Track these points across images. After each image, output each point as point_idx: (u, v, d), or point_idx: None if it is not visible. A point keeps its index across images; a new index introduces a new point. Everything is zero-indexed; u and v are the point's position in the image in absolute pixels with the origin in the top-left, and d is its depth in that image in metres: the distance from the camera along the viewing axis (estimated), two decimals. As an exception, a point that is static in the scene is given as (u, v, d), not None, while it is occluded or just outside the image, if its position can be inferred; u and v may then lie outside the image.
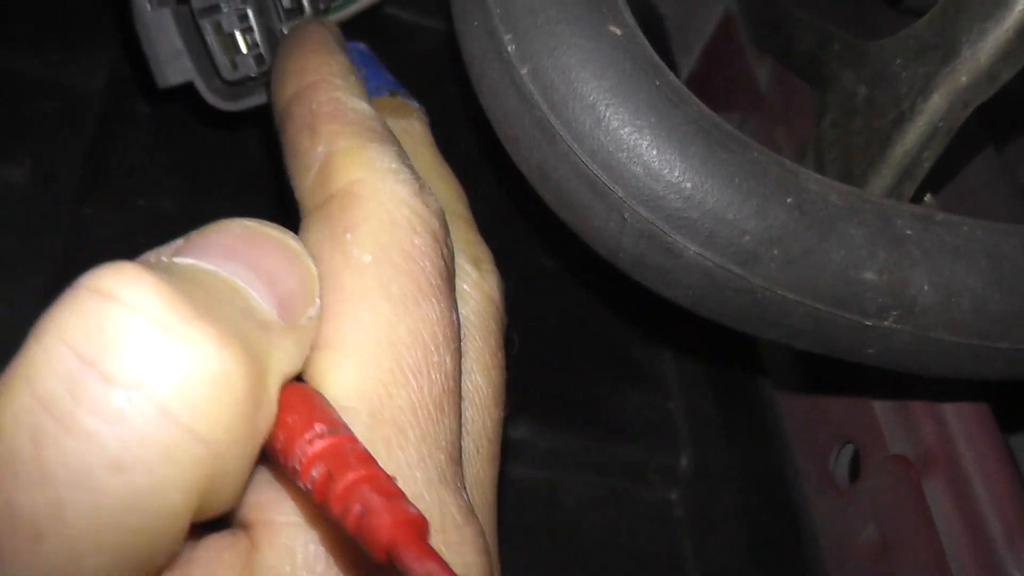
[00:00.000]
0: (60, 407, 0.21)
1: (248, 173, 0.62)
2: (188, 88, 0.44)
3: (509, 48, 0.34)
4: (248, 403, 0.23)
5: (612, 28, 0.34)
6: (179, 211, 0.59)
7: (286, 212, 0.32)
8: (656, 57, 0.34)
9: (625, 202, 0.33)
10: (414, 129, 0.37)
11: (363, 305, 0.27)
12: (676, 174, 0.32)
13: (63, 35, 0.66)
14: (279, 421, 0.24)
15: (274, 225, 0.27)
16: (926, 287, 0.35)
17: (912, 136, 0.46)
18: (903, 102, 0.46)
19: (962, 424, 0.44)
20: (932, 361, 0.38)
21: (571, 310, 0.61)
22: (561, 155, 0.33)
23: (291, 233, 0.27)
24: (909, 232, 0.35)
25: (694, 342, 0.60)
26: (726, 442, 0.55)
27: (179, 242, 0.26)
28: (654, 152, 0.32)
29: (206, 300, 0.23)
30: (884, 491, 0.46)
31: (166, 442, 0.21)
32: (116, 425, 0.21)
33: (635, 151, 0.32)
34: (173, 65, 0.42)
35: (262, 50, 0.42)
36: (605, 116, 0.33)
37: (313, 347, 0.26)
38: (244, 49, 0.42)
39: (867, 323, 0.35)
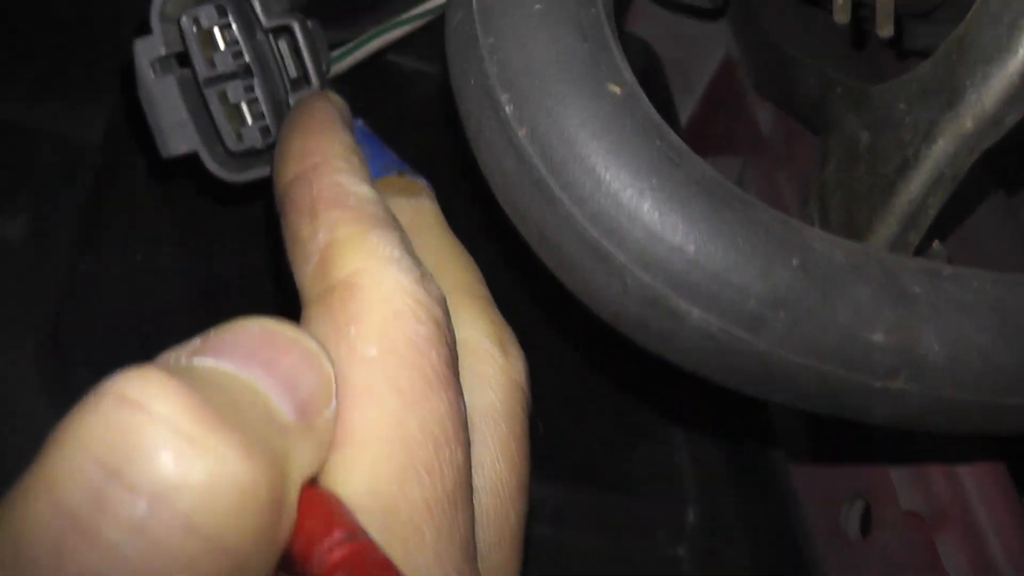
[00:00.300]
0: (83, 518, 0.20)
1: (247, 226, 0.62)
2: (191, 157, 0.43)
3: (506, 109, 0.33)
4: (271, 511, 0.22)
5: (611, 87, 0.33)
6: (177, 266, 0.58)
7: (285, 270, 0.32)
8: (656, 116, 0.34)
9: (627, 266, 0.32)
10: (424, 207, 0.37)
11: (371, 401, 0.27)
12: (679, 237, 0.32)
13: (63, 85, 0.65)
14: (298, 526, 0.24)
15: (291, 325, 0.27)
16: (936, 346, 0.34)
17: (917, 183, 0.45)
18: (907, 148, 0.46)
19: (976, 481, 0.43)
20: (943, 420, 0.37)
21: (574, 365, 0.60)
22: (561, 218, 0.33)
23: (307, 333, 0.27)
24: (917, 289, 0.35)
25: (701, 395, 0.59)
26: (734, 496, 0.54)
27: (196, 342, 0.25)
28: (656, 215, 0.32)
29: (228, 407, 0.22)
30: (896, 547, 0.45)
31: (190, 555, 0.21)
32: (140, 537, 0.20)
33: (636, 214, 0.32)
34: (177, 134, 0.42)
35: (268, 121, 0.42)
36: (605, 178, 0.32)
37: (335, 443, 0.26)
38: (250, 121, 0.42)
39: (876, 384, 0.34)
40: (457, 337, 0.31)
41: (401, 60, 0.76)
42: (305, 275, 0.30)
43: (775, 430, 0.57)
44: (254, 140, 0.42)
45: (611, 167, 0.32)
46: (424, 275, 0.29)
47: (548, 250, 0.34)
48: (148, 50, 0.41)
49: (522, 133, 0.33)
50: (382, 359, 0.27)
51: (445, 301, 0.29)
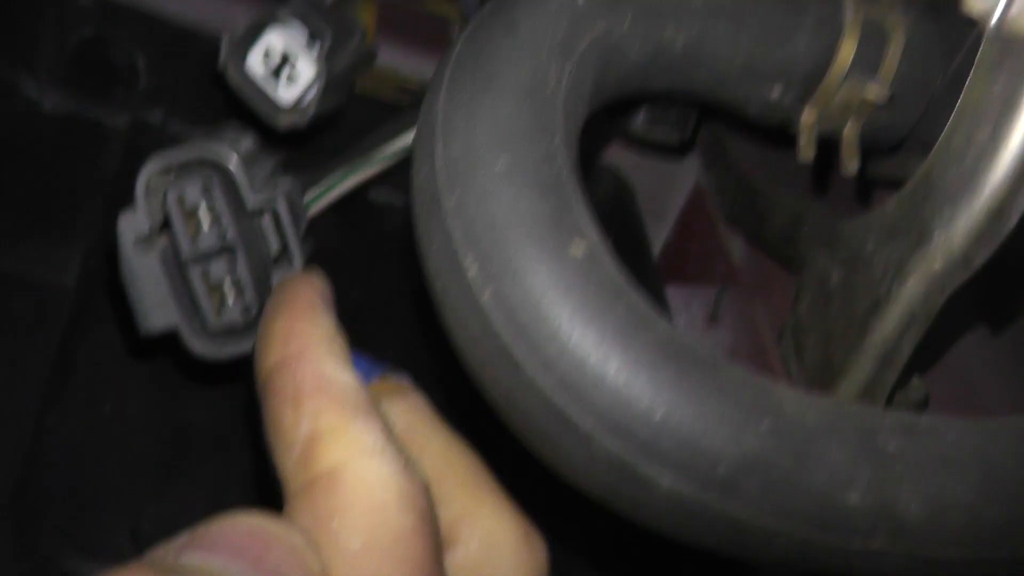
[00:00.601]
0: None
1: (216, 378, 0.61)
2: (170, 332, 0.42)
3: (469, 271, 0.33)
4: None
5: (575, 249, 0.33)
6: (145, 417, 0.57)
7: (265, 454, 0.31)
8: (620, 277, 0.33)
9: (594, 432, 0.31)
10: (415, 405, 0.37)
11: None
12: (645, 402, 0.31)
13: (37, 231, 0.65)
14: None
15: (277, 520, 0.27)
16: (914, 505, 0.33)
17: (890, 323, 0.45)
18: (878, 287, 0.45)
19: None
20: (928, 576, 0.36)
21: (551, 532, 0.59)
22: (526, 383, 0.32)
23: (295, 528, 0.27)
24: (892, 446, 0.34)
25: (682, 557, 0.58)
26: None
27: (184, 538, 0.26)
28: (621, 380, 0.31)
29: None
30: None
31: None
32: None
33: (602, 379, 0.31)
34: (157, 312, 0.41)
35: (249, 300, 0.41)
36: (569, 343, 0.31)
37: None
38: (231, 298, 0.41)
39: (854, 546, 0.33)
40: (482, 531, 0.32)
41: (374, 193, 0.76)
42: (287, 465, 0.30)
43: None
44: (235, 318, 0.41)
45: (575, 331, 0.31)
46: (408, 465, 0.29)
47: (514, 415, 0.34)
48: (131, 226, 0.40)
49: (486, 295, 0.32)
50: (366, 552, 0.27)
51: (429, 490, 0.29)
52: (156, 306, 0.41)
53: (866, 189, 0.58)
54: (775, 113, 0.48)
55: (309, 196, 0.50)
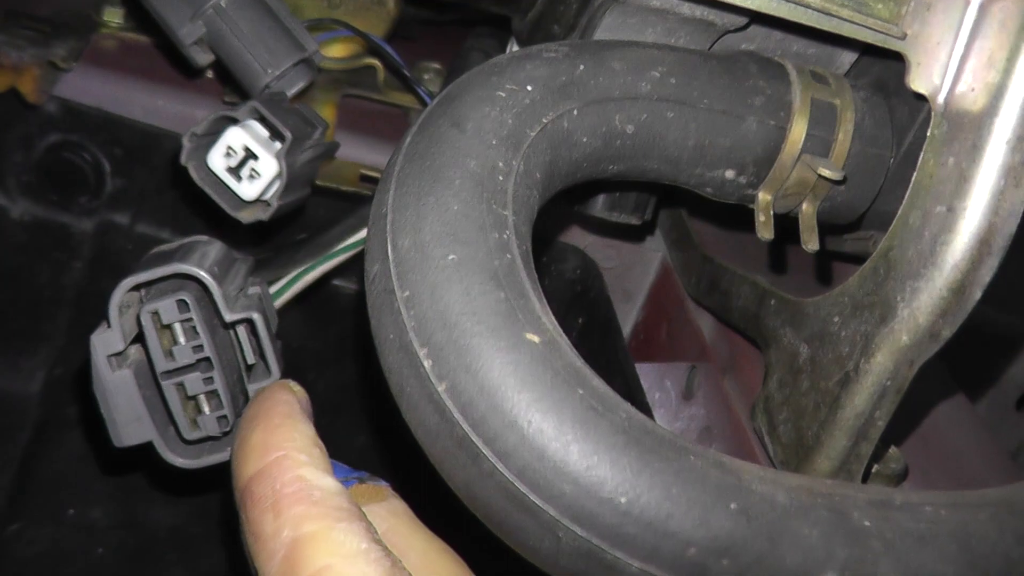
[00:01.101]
0: None
1: (178, 481, 0.60)
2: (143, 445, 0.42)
3: (425, 364, 0.32)
4: None
5: (530, 336, 0.32)
6: (109, 520, 0.56)
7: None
8: (579, 362, 0.33)
9: (558, 520, 0.31)
10: (397, 509, 0.37)
11: None
12: (608, 489, 0.30)
13: (2, 339, 0.65)
14: None
15: None
16: (892, 582, 0.33)
17: (861, 397, 0.44)
18: (847, 362, 0.45)
19: None
20: (912, 656, 0.35)
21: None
22: (486, 474, 0.31)
23: None
24: (867, 524, 0.33)
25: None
26: None
27: None
28: (583, 467, 0.30)
29: None
30: None
31: None
32: None
33: (563, 467, 0.31)
34: (131, 427, 0.40)
35: (226, 411, 0.41)
36: (528, 432, 0.31)
37: None
38: (207, 410, 0.41)
39: (834, 628, 0.32)
40: None
41: (344, 284, 0.76)
42: (271, 572, 0.29)
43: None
44: (211, 429, 0.41)
45: (534, 420, 0.31)
46: (395, 564, 0.29)
47: (477, 505, 0.33)
48: (105, 345, 0.40)
49: (442, 388, 0.32)
50: None
51: None
52: (130, 421, 0.41)
53: (828, 265, 0.58)
54: (731, 193, 0.48)
55: (273, 290, 0.50)
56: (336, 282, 0.77)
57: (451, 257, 0.33)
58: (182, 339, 0.40)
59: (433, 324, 0.32)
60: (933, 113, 0.43)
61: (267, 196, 0.52)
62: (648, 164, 0.44)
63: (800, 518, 0.32)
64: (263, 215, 0.52)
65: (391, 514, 0.37)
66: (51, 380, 0.63)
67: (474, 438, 0.31)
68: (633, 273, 0.72)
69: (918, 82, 0.43)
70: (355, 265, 0.63)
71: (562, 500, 0.31)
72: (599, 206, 0.55)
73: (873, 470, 0.49)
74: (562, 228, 0.71)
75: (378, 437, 0.68)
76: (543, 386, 0.31)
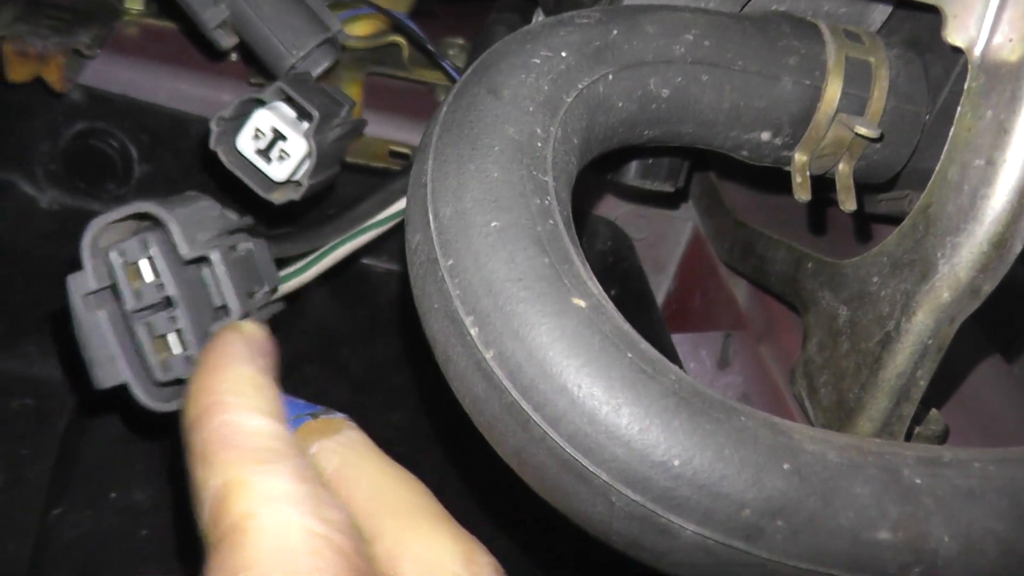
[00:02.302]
0: None
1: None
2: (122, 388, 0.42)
3: (471, 331, 0.32)
4: None
5: (576, 301, 0.32)
6: (151, 502, 0.56)
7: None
8: (626, 326, 0.33)
9: (611, 485, 0.31)
10: (351, 440, 0.35)
11: None
12: (661, 451, 0.30)
13: (37, 328, 0.65)
14: None
15: None
16: (946, 538, 0.33)
17: (903, 357, 0.44)
18: (887, 322, 0.45)
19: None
20: (966, 612, 0.35)
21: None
22: (537, 440, 0.31)
23: None
24: (918, 481, 0.33)
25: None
26: None
27: None
28: (635, 430, 0.30)
29: None
30: None
31: None
32: None
33: (614, 431, 0.30)
34: (106, 368, 0.41)
35: (194, 351, 0.41)
36: (579, 396, 0.31)
37: None
38: (176, 350, 0.41)
39: (889, 585, 0.32)
40: (418, 559, 0.30)
41: (373, 263, 0.76)
42: (201, 522, 0.29)
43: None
44: (180, 370, 0.41)
45: (583, 384, 0.31)
46: (321, 505, 0.28)
47: (527, 472, 0.33)
48: (79, 285, 0.41)
49: (489, 355, 0.32)
50: None
51: (349, 524, 0.28)
52: (105, 363, 0.41)
53: (865, 226, 0.58)
54: (767, 155, 0.48)
55: (299, 266, 0.50)
56: (365, 261, 0.77)
57: (494, 224, 0.33)
58: (148, 278, 0.41)
59: (478, 291, 0.32)
60: (970, 66, 0.42)
61: (297, 176, 0.52)
62: (683, 128, 0.44)
63: (852, 477, 0.32)
64: (295, 195, 0.52)
65: (344, 446, 0.35)
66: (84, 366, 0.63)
67: (523, 404, 0.31)
68: (665, 243, 0.71)
69: (954, 35, 0.43)
70: (385, 243, 0.63)
71: (614, 464, 0.31)
72: (632, 174, 0.55)
73: (914, 432, 0.49)
74: (593, 200, 0.71)
75: (414, 415, 0.68)
76: (591, 350, 0.31)
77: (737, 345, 0.63)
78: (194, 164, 0.72)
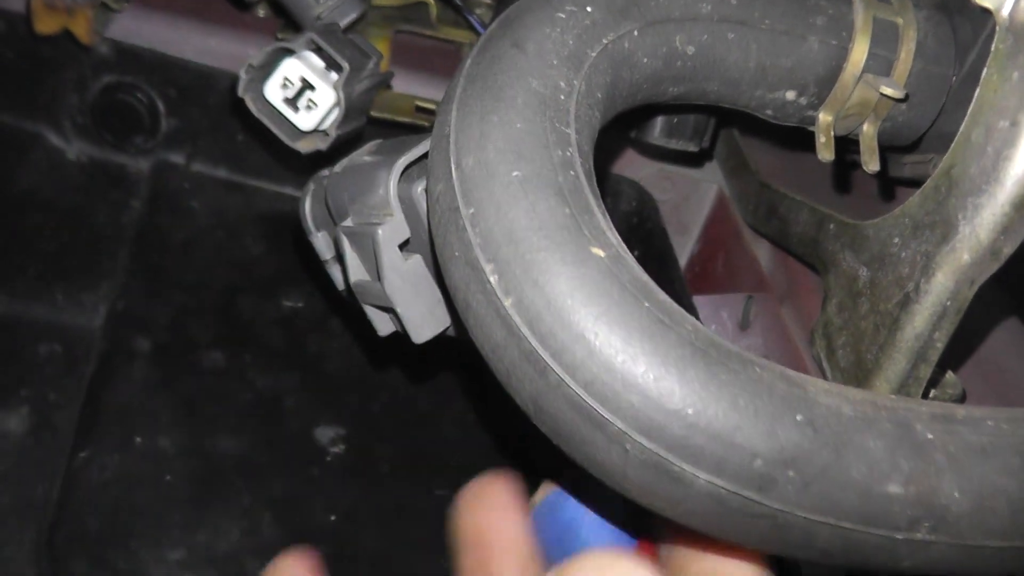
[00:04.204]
0: None
1: (248, 403, 0.61)
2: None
3: (491, 279, 0.33)
4: None
5: (596, 251, 0.33)
6: (177, 448, 0.57)
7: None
8: (644, 276, 0.33)
9: (626, 433, 0.31)
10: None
11: None
12: (676, 400, 0.31)
13: (65, 276, 0.66)
14: None
15: None
16: (957, 494, 0.33)
17: (921, 318, 0.44)
18: (907, 283, 0.45)
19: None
20: (975, 568, 0.35)
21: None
22: (554, 387, 0.32)
23: None
24: (930, 436, 0.33)
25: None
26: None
27: None
28: (651, 379, 0.31)
29: None
30: None
31: None
32: None
33: (631, 379, 0.31)
34: (431, 317, 0.41)
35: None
36: (596, 345, 0.31)
37: None
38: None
39: (899, 537, 0.33)
40: None
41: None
42: None
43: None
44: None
45: (601, 333, 0.31)
46: None
47: (544, 419, 0.33)
48: (392, 235, 0.40)
49: (508, 303, 0.32)
50: None
51: None
52: (428, 311, 0.40)
53: (888, 188, 0.58)
54: (793, 114, 0.48)
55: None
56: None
57: (516, 174, 0.33)
58: None
59: (499, 240, 0.33)
60: (998, 27, 0.42)
61: (325, 126, 0.53)
62: (709, 86, 0.44)
63: (865, 430, 0.32)
64: (322, 145, 0.53)
65: None
66: (114, 314, 0.64)
67: (541, 352, 0.32)
68: (689, 205, 0.71)
69: (983, -3, 0.42)
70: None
71: (630, 412, 0.31)
72: (657, 132, 0.55)
73: (931, 395, 0.49)
74: (618, 161, 0.71)
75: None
76: (610, 299, 0.31)
77: (758, 307, 0.64)
78: (221, 118, 0.72)
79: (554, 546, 0.40)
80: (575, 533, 0.40)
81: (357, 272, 0.43)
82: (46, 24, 0.67)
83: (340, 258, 0.43)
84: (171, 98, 0.72)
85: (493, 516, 0.39)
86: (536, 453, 0.39)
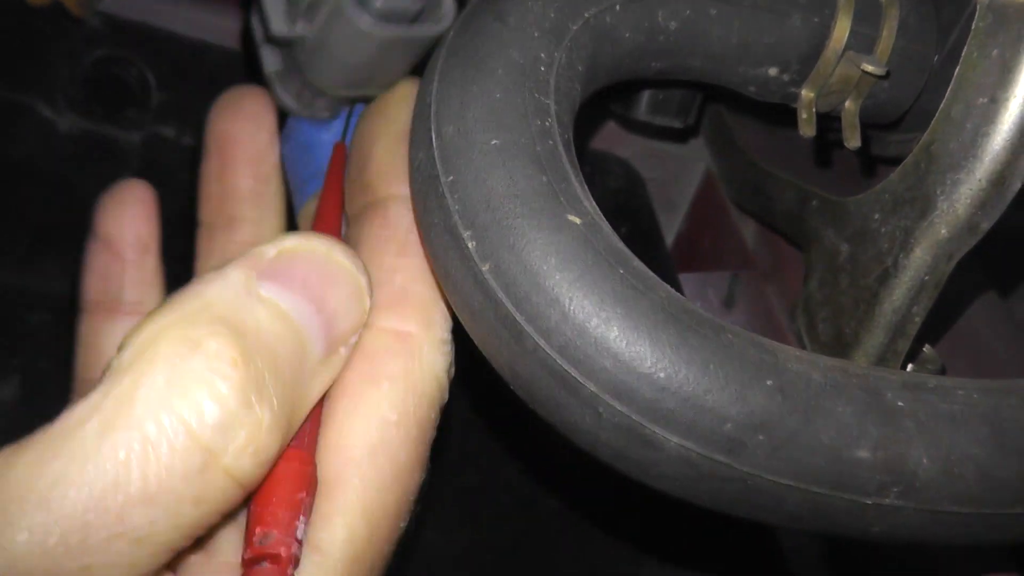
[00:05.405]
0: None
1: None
2: None
3: (469, 245, 0.33)
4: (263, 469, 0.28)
5: (571, 218, 0.33)
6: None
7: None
8: (619, 243, 0.34)
9: (598, 396, 0.32)
10: None
11: (371, 469, 0.32)
12: (648, 364, 0.31)
13: (56, 247, 0.66)
14: (268, 484, 0.29)
15: (346, 251, 0.32)
16: (925, 460, 0.33)
17: (899, 292, 0.45)
18: (886, 258, 0.45)
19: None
20: (943, 534, 0.36)
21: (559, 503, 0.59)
22: (529, 352, 0.32)
23: (359, 263, 0.32)
24: (900, 404, 0.34)
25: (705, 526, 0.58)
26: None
27: (271, 253, 0.30)
28: (623, 343, 0.31)
29: (269, 364, 0.28)
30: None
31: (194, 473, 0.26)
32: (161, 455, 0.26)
33: (603, 343, 0.31)
34: None
35: None
36: (570, 309, 0.32)
37: (327, 483, 0.31)
38: None
39: (867, 502, 0.33)
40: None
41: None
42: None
43: (787, 561, 0.56)
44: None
45: (575, 297, 0.32)
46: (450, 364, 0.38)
47: (520, 383, 0.34)
48: None
49: (486, 268, 0.33)
50: (397, 427, 0.33)
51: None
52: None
53: (869, 165, 0.58)
54: (775, 91, 0.48)
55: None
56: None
57: (494, 142, 0.34)
58: None
59: (477, 206, 0.33)
60: (979, 5, 0.42)
61: None
62: (691, 62, 0.45)
63: (834, 396, 0.33)
64: None
65: None
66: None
67: (517, 316, 0.32)
68: (676, 183, 0.72)
69: (965, -26, 0.43)
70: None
71: (602, 375, 0.32)
72: (643, 108, 0.55)
73: (909, 369, 0.49)
74: (605, 139, 0.71)
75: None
76: (584, 265, 0.32)
77: (744, 284, 0.64)
78: (213, 93, 0.73)
79: (295, 165, 0.45)
80: (311, 153, 0.44)
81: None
82: (38, -4, 0.68)
83: None
84: (162, 72, 0.73)
85: (241, 124, 0.42)
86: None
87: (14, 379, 0.60)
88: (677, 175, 0.72)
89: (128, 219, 0.42)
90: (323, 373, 0.31)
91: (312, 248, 0.31)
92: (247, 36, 0.50)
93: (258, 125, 0.42)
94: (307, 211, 0.44)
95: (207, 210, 0.43)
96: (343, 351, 0.32)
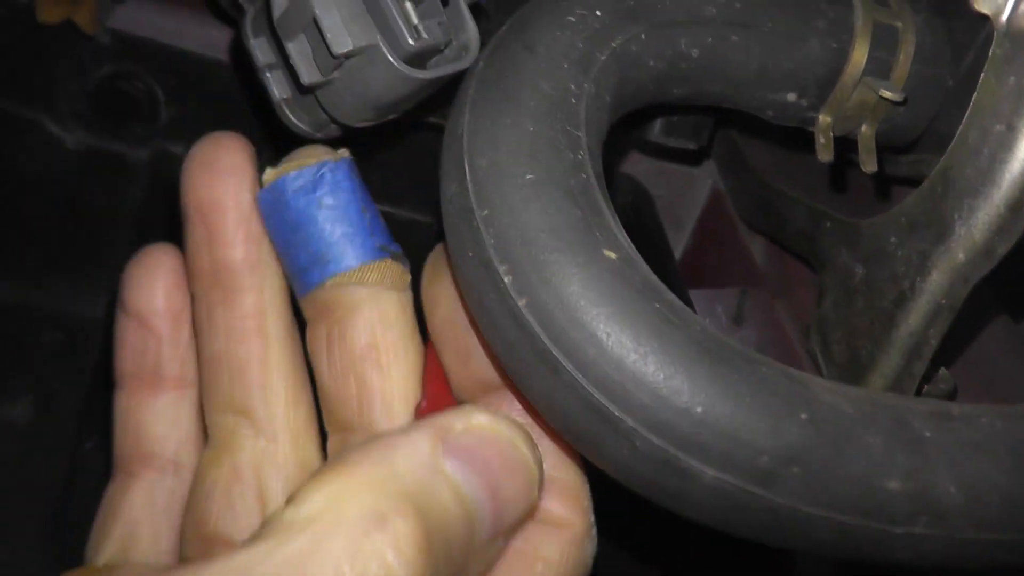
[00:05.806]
0: None
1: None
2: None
3: (505, 280, 0.34)
4: None
5: (607, 252, 0.33)
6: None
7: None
8: (653, 278, 0.34)
9: (636, 430, 0.32)
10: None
11: None
12: (685, 399, 0.32)
13: (65, 265, 0.66)
14: None
15: (528, 441, 0.32)
16: (952, 489, 0.34)
17: (915, 316, 0.45)
18: (902, 281, 0.46)
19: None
20: (969, 560, 0.36)
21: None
22: (566, 386, 0.33)
23: (538, 455, 0.32)
24: (928, 434, 0.34)
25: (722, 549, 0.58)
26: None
27: (458, 427, 0.30)
28: (660, 377, 0.32)
29: (444, 550, 0.27)
30: None
31: None
32: None
33: (641, 378, 0.32)
34: (352, 27, 0.40)
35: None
36: (607, 344, 0.32)
37: None
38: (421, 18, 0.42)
39: (896, 531, 0.34)
40: None
41: (395, 211, 0.77)
42: None
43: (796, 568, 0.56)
44: (434, 35, 0.41)
45: (612, 333, 0.32)
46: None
47: (555, 416, 0.34)
48: None
49: (522, 303, 0.33)
50: None
51: None
52: (351, 21, 0.40)
53: (884, 187, 0.59)
54: (792, 116, 0.48)
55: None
56: (386, 207, 0.78)
57: (528, 176, 0.34)
58: None
59: (513, 241, 0.33)
60: (996, 33, 0.43)
61: None
62: (712, 87, 0.45)
63: (865, 427, 0.34)
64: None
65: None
66: (114, 303, 0.64)
67: (554, 351, 0.33)
68: (684, 200, 0.72)
69: (981, 2, 0.43)
70: (406, 192, 0.64)
71: (640, 409, 0.32)
72: (656, 131, 0.56)
73: (924, 390, 0.50)
74: (615, 156, 0.72)
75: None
76: (621, 300, 0.32)
77: (752, 301, 0.65)
78: (221, 109, 0.73)
79: (286, 249, 0.39)
80: (312, 220, 0.38)
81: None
82: (50, 14, 0.68)
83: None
84: (171, 88, 0.73)
85: (222, 185, 0.37)
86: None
87: (26, 399, 0.60)
88: (684, 192, 0.72)
89: (158, 290, 0.40)
90: (483, 558, 0.31)
91: (499, 432, 0.31)
92: (240, 59, 0.49)
93: (240, 182, 0.38)
94: (315, 301, 0.39)
95: (201, 286, 0.39)
96: (502, 541, 0.32)
